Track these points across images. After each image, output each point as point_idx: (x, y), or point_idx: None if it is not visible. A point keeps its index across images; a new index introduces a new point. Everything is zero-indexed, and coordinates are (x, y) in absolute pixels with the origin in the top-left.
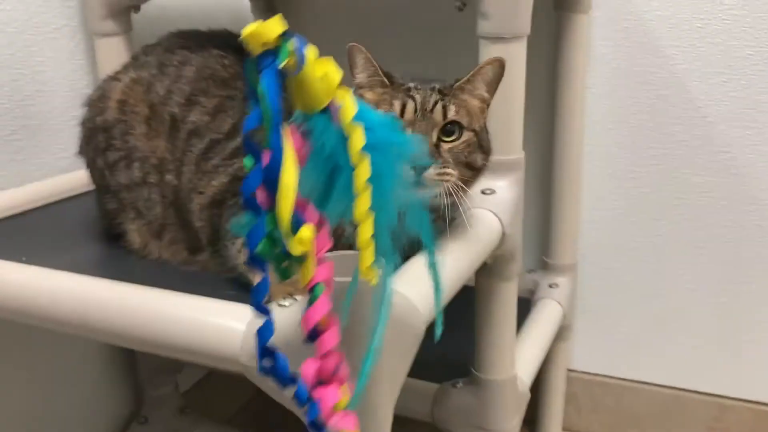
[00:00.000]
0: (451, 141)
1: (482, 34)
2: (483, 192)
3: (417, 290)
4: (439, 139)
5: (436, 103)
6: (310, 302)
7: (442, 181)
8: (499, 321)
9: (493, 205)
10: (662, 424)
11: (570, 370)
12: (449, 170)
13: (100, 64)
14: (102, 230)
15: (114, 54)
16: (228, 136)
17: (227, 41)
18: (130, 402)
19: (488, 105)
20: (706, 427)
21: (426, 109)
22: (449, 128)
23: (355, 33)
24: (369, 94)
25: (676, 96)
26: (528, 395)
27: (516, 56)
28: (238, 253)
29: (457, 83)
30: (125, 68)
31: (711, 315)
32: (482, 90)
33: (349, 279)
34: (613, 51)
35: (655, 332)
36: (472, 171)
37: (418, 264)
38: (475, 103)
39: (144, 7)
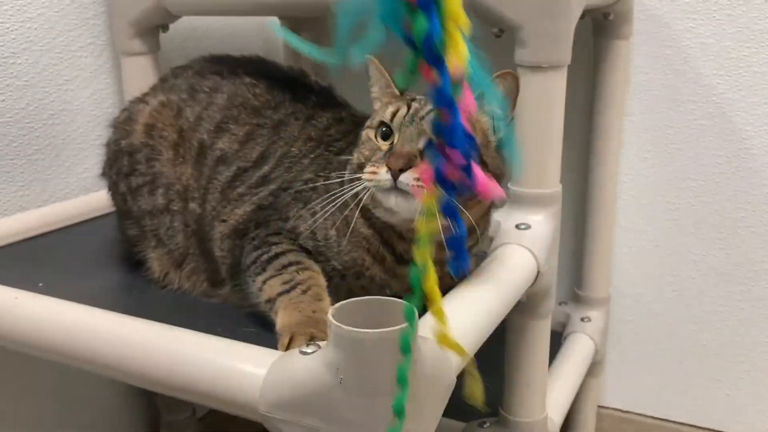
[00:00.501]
0: None
1: (521, 63)
2: (517, 227)
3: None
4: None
5: (429, 112)
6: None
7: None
8: (531, 360)
9: (528, 240)
10: None
11: (600, 407)
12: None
13: (127, 84)
14: (122, 255)
15: (141, 73)
16: (256, 164)
17: (259, 68)
18: (147, 427)
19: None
20: None
21: (418, 117)
22: None
23: (387, 56)
24: (377, 105)
25: (717, 126)
26: None
27: (555, 86)
28: (258, 291)
29: None
30: (153, 90)
31: (749, 354)
32: (493, 106)
33: (402, 326)
34: (653, 79)
35: (690, 370)
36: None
37: (450, 299)
38: (482, 119)
39: (172, 26)
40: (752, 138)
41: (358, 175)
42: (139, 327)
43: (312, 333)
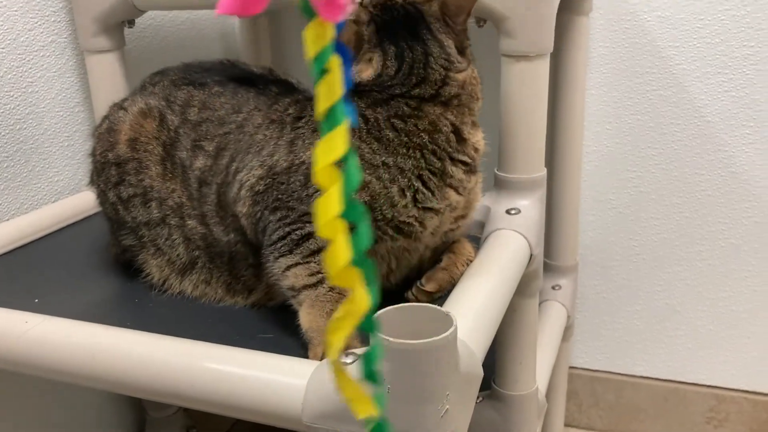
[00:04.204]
0: None
1: (506, 52)
2: (508, 212)
3: (472, 333)
4: None
5: None
6: None
7: None
8: (523, 338)
9: (519, 225)
10: (662, 416)
11: (571, 367)
12: None
13: (93, 82)
14: (113, 259)
15: (107, 70)
16: (227, 170)
17: (227, 73)
18: (133, 426)
19: None
20: (704, 417)
21: None
22: None
23: None
24: None
25: (675, 96)
26: (545, 404)
27: (540, 74)
28: (281, 274)
29: None
30: (132, 96)
31: (708, 310)
32: None
33: (447, 333)
34: (613, 52)
35: (653, 328)
36: None
37: (463, 294)
38: None
39: (138, 20)
40: (707, 106)
41: None
42: (170, 346)
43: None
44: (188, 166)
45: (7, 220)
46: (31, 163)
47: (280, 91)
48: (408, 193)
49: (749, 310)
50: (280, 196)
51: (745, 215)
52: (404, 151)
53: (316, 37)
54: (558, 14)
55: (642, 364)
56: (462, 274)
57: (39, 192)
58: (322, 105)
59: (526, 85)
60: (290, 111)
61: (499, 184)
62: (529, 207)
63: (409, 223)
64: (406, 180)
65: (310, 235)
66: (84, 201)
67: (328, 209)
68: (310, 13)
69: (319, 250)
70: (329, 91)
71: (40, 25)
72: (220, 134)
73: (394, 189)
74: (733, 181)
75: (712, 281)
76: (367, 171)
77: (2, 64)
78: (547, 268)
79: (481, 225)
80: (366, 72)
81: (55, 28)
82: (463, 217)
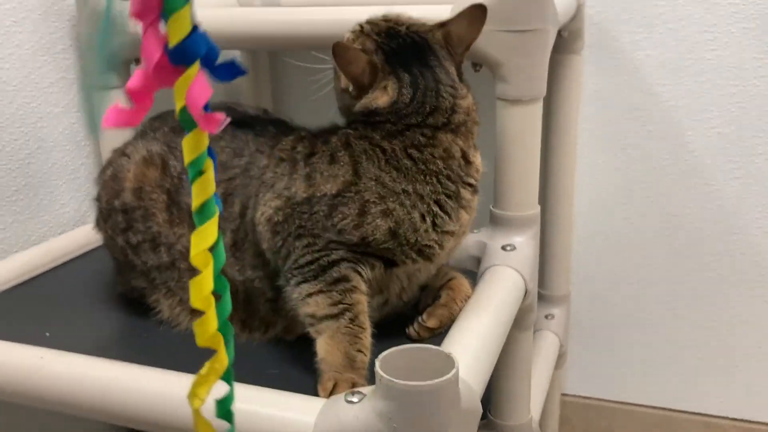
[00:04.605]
0: None
1: (501, 97)
2: (503, 248)
3: (471, 370)
4: None
5: None
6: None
7: None
8: (517, 369)
9: (516, 262)
10: None
11: (563, 395)
12: None
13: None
14: (119, 291)
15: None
16: (242, 217)
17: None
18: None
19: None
20: None
21: None
22: None
23: None
24: None
25: (664, 131)
26: None
27: (534, 117)
28: (300, 300)
29: None
30: (134, 142)
31: (697, 339)
32: None
33: (439, 380)
34: (604, 89)
35: (644, 355)
36: None
37: (462, 333)
38: None
39: None
40: (694, 141)
41: None
42: (180, 381)
43: (353, 380)
44: None
45: (16, 252)
46: (39, 196)
47: (278, 131)
48: (428, 219)
49: (738, 339)
50: (303, 224)
51: (732, 247)
52: (422, 178)
53: (194, 145)
54: (551, 53)
55: (634, 392)
56: (461, 310)
57: (46, 224)
58: (196, 201)
59: (521, 128)
60: (299, 148)
61: (494, 221)
62: (524, 243)
63: (430, 246)
64: (425, 206)
65: (335, 263)
66: (89, 234)
67: (203, 287)
68: (189, 126)
69: (341, 279)
70: (203, 189)
71: (49, 63)
72: (225, 180)
73: (416, 214)
74: (721, 214)
75: (702, 311)
76: (391, 199)
77: (14, 101)
78: (540, 297)
79: (477, 260)
80: (382, 99)
81: (63, 66)
82: (463, 233)
